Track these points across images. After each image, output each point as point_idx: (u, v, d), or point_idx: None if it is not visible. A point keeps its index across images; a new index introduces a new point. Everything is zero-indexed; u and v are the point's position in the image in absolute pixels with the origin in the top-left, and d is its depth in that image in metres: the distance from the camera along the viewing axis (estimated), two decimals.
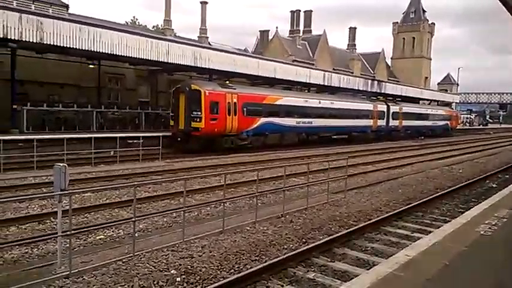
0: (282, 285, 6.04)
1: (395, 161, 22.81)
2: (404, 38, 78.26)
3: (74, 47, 18.66)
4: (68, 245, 6.43)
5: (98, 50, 19.43)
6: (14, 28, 16.80)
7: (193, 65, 23.42)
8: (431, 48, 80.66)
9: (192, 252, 7.02)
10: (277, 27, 56.67)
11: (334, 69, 49.01)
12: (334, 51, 60.99)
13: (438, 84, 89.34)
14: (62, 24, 18.24)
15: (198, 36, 42.90)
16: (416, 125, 44.23)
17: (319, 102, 30.85)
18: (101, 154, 18.46)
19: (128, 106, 26.35)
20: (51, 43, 17.96)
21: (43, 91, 23.63)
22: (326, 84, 33.53)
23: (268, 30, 58.59)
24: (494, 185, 15.24)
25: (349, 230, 8.49)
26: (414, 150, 29.92)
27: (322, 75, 33.58)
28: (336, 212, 10.27)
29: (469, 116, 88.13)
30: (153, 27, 55.92)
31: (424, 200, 11.78)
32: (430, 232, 8.00)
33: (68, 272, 5.96)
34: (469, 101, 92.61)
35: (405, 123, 41.84)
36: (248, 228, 8.62)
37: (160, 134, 20.94)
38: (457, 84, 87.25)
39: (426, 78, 79.02)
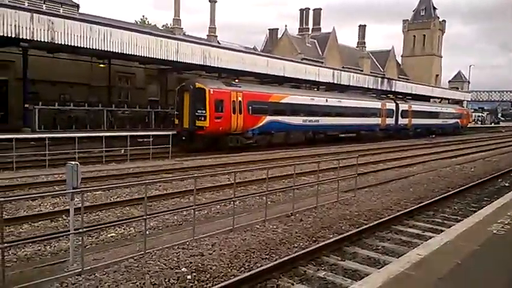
0: (292, 284, 6.03)
1: (406, 159, 22.64)
2: (414, 36, 77.59)
3: (85, 46, 18.80)
4: (80, 243, 6.48)
5: (108, 49, 19.57)
6: (26, 28, 16.97)
7: (202, 63, 23.46)
8: (442, 45, 79.96)
9: (203, 250, 7.05)
10: (286, 26, 56.78)
11: (343, 67, 48.80)
12: (344, 49, 60.72)
13: (449, 82, 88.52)
14: (72, 24, 18.40)
15: (207, 35, 43.03)
16: (426, 123, 43.76)
17: (326, 101, 30.60)
18: (112, 152, 18.61)
19: (138, 105, 26.51)
20: (62, 42, 18.12)
21: (54, 90, 23.86)
22: (335, 82, 33.40)
23: (277, 29, 58.61)
24: (506, 184, 15.06)
25: (359, 229, 8.45)
26: (425, 149, 29.68)
27: (332, 73, 33.44)
28: (346, 211, 10.23)
29: (480, 114, 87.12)
30: (163, 26, 56.14)
31: (436, 198, 11.68)
32: (441, 231, 7.93)
33: (80, 269, 6.02)
34: (481, 99, 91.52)
35: (415, 121, 41.42)
36: (258, 226, 8.63)
37: (170, 133, 21.03)
38: (468, 82, 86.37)
39: (437, 76, 78.28)
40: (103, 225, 8.36)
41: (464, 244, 5.90)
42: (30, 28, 17.06)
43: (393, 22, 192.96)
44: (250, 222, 8.80)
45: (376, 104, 36.51)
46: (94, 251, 7.02)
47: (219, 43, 37.56)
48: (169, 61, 22.73)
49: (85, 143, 18.35)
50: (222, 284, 5.64)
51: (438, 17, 77.32)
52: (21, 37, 17.01)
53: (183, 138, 21.90)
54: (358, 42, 69.64)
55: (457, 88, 73.01)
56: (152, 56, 21.30)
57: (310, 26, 61.29)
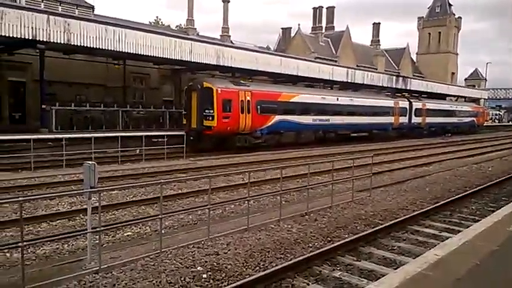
0: (308, 284, 6.02)
1: (422, 158, 22.37)
2: (430, 33, 76.55)
3: (100, 47, 19.04)
4: (97, 241, 6.58)
5: (123, 50, 19.78)
6: (42, 29, 17.26)
7: (216, 63, 23.54)
8: (458, 43, 78.71)
9: (218, 250, 7.08)
10: (299, 24, 56.41)
11: (357, 65, 48.42)
12: (358, 47, 60.25)
13: (465, 79, 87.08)
14: (88, 25, 18.65)
15: (221, 35, 43.17)
16: (441, 122, 43.06)
17: (337, 99, 30.20)
18: (127, 152, 18.81)
19: (152, 105, 26.73)
20: (78, 44, 18.38)
21: (71, 91, 24.23)
22: (349, 81, 33.16)
23: (290, 28, 58.43)
24: None
25: (375, 229, 8.38)
26: (441, 148, 29.30)
27: (346, 72, 33.23)
28: (361, 211, 10.16)
29: (498, 112, 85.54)
30: (176, 26, 56.53)
31: (452, 198, 11.52)
32: (459, 231, 7.82)
33: (97, 268, 6.11)
34: (498, 97, 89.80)
35: (429, 120, 40.72)
36: (272, 226, 8.63)
37: (184, 133, 21.14)
38: (485, 80, 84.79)
39: (453, 73, 77.13)
40: (120, 224, 8.46)
41: (482, 244, 5.81)
42: (46, 30, 17.35)
43: (407, 20, 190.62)
44: (265, 221, 8.81)
45: (389, 103, 35.92)
46: (111, 250, 7.10)
47: (232, 43, 37.64)
48: (183, 61, 22.86)
49: (101, 143, 18.57)
50: (238, 283, 5.65)
51: (454, 14, 76.14)
52: (38, 39, 17.30)
53: (191, 138, 21.66)
54: (372, 40, 69.02)
55: (474, 86, 71.73)
56: (166, 57, 21.46)
57: (324, 24, 60.94)
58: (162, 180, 7.93)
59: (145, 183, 12.51)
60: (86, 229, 6.67)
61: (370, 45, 67.98)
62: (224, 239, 7.63)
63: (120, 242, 7.91)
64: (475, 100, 57.91)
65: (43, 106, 19.93)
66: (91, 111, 23.03)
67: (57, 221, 9.11)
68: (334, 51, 55.92)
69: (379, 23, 70.15)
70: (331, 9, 62.85)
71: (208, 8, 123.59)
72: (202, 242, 7.38)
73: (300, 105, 26.75)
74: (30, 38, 17.05)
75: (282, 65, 27.47)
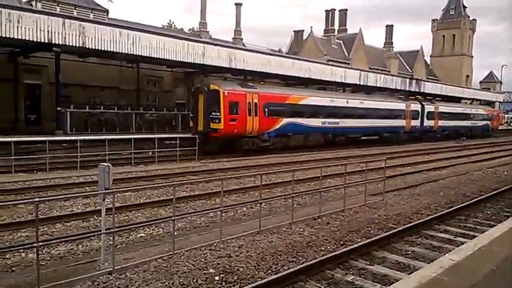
0: (320, 287, 5.99)
1: (435, 162, 22.10)
2: (444, 35, 75.72)
3: (115, 50, 19.28)
4: (111, 242, 6.63)
5: (137, 53, 20.01)
6: (58, 33, 17.56)
7: (228, 66, 23.63)
8: (473, 45, 77.70)
9: (230, 252, 7.09)
10: (311, 27, 56.49)
11: (370, 68, 48.14)
12: (370, 50, 59.90)
13: (480, 82, 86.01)
14: (103, 29, 18.91)
15: (233, 38, 43.28)
16: (454, 125, 42.35)
17: (347, 102, 29.69)
18: (140, 154, 18.96)
19: (165, 108, 26.91)
20: (93, 47, 18.65)
21: (85, 94, 24.52)
22: (362, 83, 32.95)
23: (303, 30, 58.32)
24: None
25: (388, 233, 8.30)
26: (454, 152, 28.90)
27: (358, 74, 33.05)
28: (374, 215, 10.08)
29: None
30: (189, 30, 56.89)
31: (467, 203, 11.36)
32: (474, 236, 7.72)
33: (111, 268, 6.16)
34: None
35: (441, 123, 40.07)
36: (284, 229, 8.61)
37: (192, 135, 21.21)
38: (501, 83, 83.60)
39: (467, 76, 76.15)
40: (133, 226, 8.52)
41: (498, 249, 5.72)
42: (62, 33, 17.64)
43: (422, 22, 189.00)
44: (277, 224, 8.79)
45: (400, 105, 35.35)
46: (124, 251, 7.16)
47: (244, 46, 37.74)
48: (196, 64, 22.97)
49: (114, 145, 18.74)
50: (250, 286, 5.65)
51: (468, 16, 75.23)
52: (53, 42, 17.61)
53: (198, 141, 21.28)
54: (385, 43, 68.52)
55: (489, 89, 70.72)
56: (179, 60, 21.64)
57: (336, 27, 60.75)
58: (175, 182, 7.98)
59: (158, 185, 12.58)
60: (100, 230, 6.73)
61: (383, 47, 67.50)
62: (236, 242, 7.63)
63: (133, 243, 7.97)
64: (490, 103, 57.05)
65: (58, 108, 20.18)
66: (105, 113, 23.29)
67: (72, 222, 9.22)
68: (346, 54, 55.68)
69: (392, 26, 69.66)
70: (343, 12, 62.66)
71: (221, 11, 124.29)
72: (215, 244, 7.40)
73: (308, 108, 26.32)
74: (46, 41, 17.35)
75: (294, 68, 27.43)
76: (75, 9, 28.01)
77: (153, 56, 20.62)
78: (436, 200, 12.06)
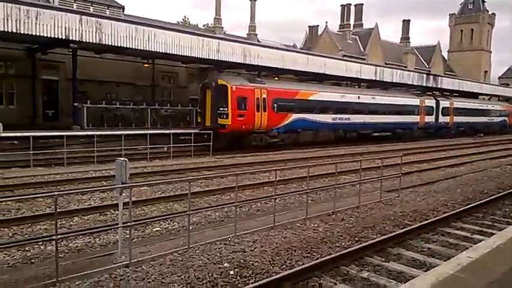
0: (335, 283, 5.97)
1: (452, 159, 21.80)
2: (462, 30, 74.28)
3: (131, 46, 19.46)
4: (127, 236, 6.73)
5: (153, 50, 20.15)
6: (75, 29, 17.78)
7: (242, 62, 23.62)
8: (492, 40, 76.11)
9: (244, 247, 7.12)
10: (326, 22, 56.06)
11: (386, 63, 47.55)
12: (386, 45, 59.14)
13: (499, 78, 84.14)
14: (119, 25, 19.09)
15: (247, 34, 43.21)
16: (470, 121, 41.49)
17: (358, 97, 29.22)
18: (156, 149, 19.14)
19: (180, 103, 27.06)
20: (110, 43, 18.84)
21: (101, 89, 24.79)
22: (378, 79, 32.57)
23: (317, 26, 57.86)
24: None
25: (404, 230, 8.23)
26: (472, 148, 28.46)
27: (374, 70, 32.69)
28: (389, 211, 10.00)
29: None
30: (204, 26, 57.04)
31: (485, 200, 11.18)
32: (491, 234, 7.60)
33: (127, 262, 6.25)
34: None
35: (457, 119, 39.31)
36: (299, 224, 8.61)
37: (211, 131, 21.29)
38: None
39: (486, 72, 74.66)
40: (149, 220, 8.60)
41: None
42: (79, 30, 17.86)
43: (437, 17, 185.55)
44: (291, 220, 8.80)
45: (414, 101, 34.60)
46: (140, 244, 7.25)
47: (258, 41, 37.67)
48: (210, 60, 23.01)
49: (130, 140, 18.95)
50: (265, 280, 5.67)
51: (487, 10, 73.62)
52: (71, 38, 17.83)
53: (205, 136, 21.09)
54: (401, 38, 67.46)
55: (508, 84, 69.20)
56: (194, 56, 21.70)
57: (352, 22, 60.11)
58: (191, 177, 8.03)
59: (174, 179, 12.69)
60: (117, 224, 6.82)
61: (400, 42, 66.53)
62: (250, 237, 7.67)
63: (149, 237, 8.07)
64: (509, 99, 55.88)
65: (75, 104, 20.46)
66: (121, 109, 23.51)
67: (89, 216, 9.37)
68: (362, 49, 55.09)
69: (409, 20, 68.48)
70: (359, 7, 61.97)
71: (235, 6, 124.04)
72: (229, 239, 7.44)
73: (318, 104, 25.95)
74: (64, 37, 17.59)
75: (309, 63, 27.29)
76: (91, 5, 28.30)
77: (168, 52, 20.74)
78: (453, 197, 11.90)
